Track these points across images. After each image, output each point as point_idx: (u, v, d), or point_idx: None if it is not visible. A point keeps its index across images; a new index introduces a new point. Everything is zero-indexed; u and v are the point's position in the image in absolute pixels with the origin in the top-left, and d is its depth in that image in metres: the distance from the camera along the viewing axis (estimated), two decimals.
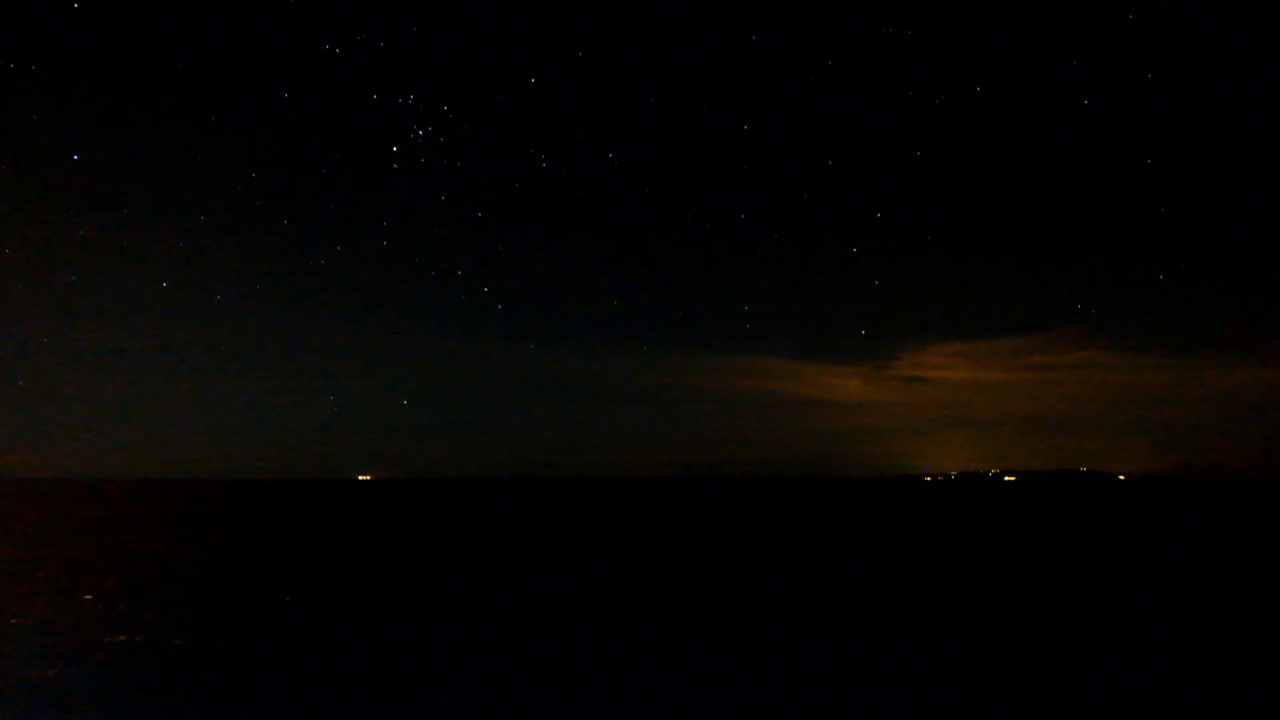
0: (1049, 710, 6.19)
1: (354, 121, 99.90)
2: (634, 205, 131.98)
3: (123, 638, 8.55)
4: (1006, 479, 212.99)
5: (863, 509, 42.56)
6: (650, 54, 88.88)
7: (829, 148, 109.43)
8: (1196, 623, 9.72)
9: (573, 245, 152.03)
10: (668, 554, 17.64)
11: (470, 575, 13.82)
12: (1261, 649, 8.36)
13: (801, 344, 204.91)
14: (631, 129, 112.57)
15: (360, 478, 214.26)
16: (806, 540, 21.41)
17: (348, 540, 21.26)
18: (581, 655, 7.86)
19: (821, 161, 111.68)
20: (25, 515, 33.92)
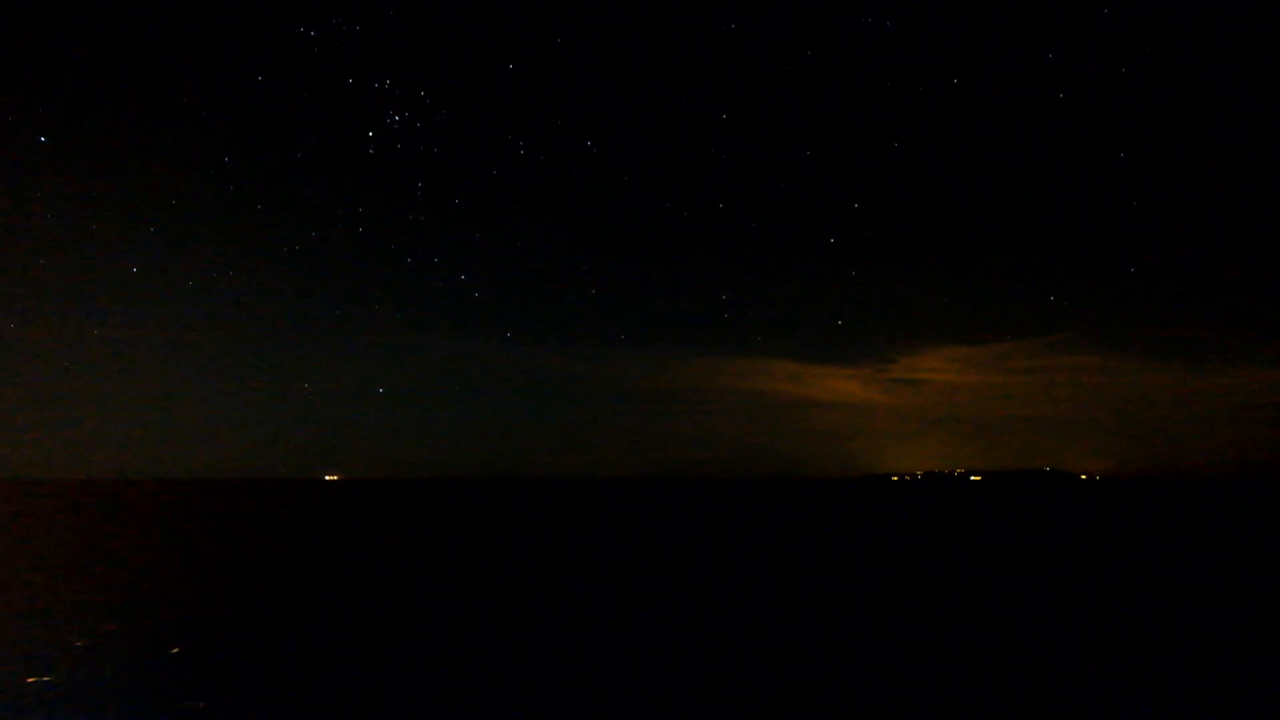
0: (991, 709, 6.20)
1: (329, 106, 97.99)
2: (613, 194, 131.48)
3: (111, 626, 8.43)
4: (972, 478, 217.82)
5: (825, 510, 43.17)
6: (630, 42, 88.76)
7: (812, 141, 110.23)
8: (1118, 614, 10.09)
9: (552, 235, 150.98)
10: (654, 555, 17.69)
11: (461, 577, 13.65)
12: (1194, 638, 8.62)
13: (802, 347, 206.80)
14: (610, 117, 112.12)
15: (327, 477, 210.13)
16: (786, 540, 21.65)
17: (331, 542, 20.91)
18: (568, 658, 7.77)
19: (802, 154, 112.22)
20: None
